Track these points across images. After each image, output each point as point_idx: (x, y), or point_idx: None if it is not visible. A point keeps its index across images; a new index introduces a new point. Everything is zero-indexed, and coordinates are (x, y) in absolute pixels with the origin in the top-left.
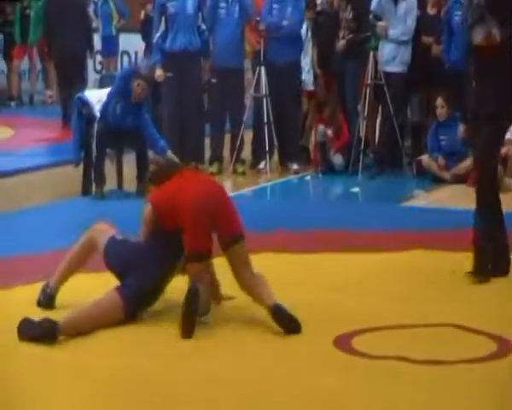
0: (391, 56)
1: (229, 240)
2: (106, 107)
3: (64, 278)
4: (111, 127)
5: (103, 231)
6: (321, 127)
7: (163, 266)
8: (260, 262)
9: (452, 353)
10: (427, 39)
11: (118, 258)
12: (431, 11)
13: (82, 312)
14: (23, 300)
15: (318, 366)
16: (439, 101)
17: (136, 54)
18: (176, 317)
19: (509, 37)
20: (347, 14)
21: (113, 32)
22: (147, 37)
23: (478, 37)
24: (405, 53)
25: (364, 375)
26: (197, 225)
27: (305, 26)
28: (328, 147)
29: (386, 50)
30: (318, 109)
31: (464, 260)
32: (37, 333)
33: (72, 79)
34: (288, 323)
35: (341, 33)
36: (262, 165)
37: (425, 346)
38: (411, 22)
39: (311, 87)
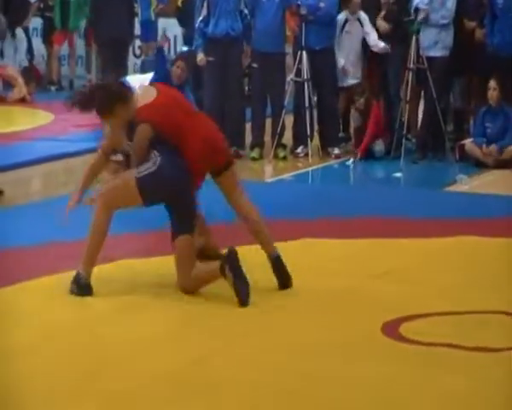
0: (433, 41)
1: (221, 167)
2: None
3: (94, 262)
4: None
5: (114, 194)
6: (355, 113)
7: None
8: (302, 248)
9: (502, 340)
10: (469, 23)
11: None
12: None
13: None
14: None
15: (368, 354)
16: (492, 83)
17: (175, 38)
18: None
19: None
20: None
21: (152, 17)
22: (183, 22)
23: None
24: (447, 37)
25: (414, 362)
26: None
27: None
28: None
29: (427, 35)
30: (352, 97)
31: (510, 247)
32: None
33: (115, 64)
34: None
35: (381, 14)
36: (300, 149)
37: (474, 333)
38: (451, 5)
39: (347, 83)
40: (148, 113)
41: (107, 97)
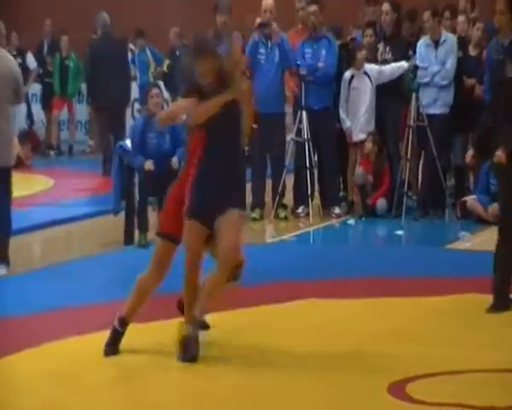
0: (432, 99)
1: None
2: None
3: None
4: (153, 175)
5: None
6: (359, 170)
7: None
8: (306, 309)
9: (508, 398)
10: (468, 81)
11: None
12: (473, 52)
13: None
14: (75, 351)
15: None
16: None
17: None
18: None
19: None
20: (386, 55)
21: (150, 80)
22: (169, 87)
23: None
24: (447, 95)
25: None
26: None
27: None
28: (368, 191)
29: (427, 93)
30: (361, 152)
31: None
32: None
33: (113, 127)
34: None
35: None
36: (301, 209)
37: (481, 391)
38: (450, 66)
39: (355, 139)
40: None
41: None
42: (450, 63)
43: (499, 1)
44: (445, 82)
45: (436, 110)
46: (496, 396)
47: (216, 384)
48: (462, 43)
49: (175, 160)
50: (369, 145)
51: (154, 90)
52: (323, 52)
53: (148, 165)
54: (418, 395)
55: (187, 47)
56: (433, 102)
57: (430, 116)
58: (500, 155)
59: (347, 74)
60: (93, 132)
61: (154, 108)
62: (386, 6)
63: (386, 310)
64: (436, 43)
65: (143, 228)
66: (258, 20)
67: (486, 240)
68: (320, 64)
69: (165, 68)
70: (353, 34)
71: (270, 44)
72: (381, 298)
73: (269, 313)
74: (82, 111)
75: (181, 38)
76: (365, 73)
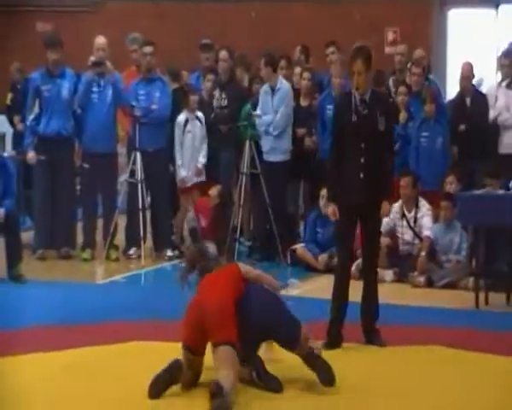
0: (269, 147)
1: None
2: None
3: None
4: None
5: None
6: (190, 214)
7: None
8: (132, 351)
9: None
10: (299, 131)
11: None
12: (303, 103)
13: None
14: None
15: None
16: (323, 191)
17: (3, 137)
18: None
19: None
20: (222, 102)
21: None
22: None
23: None
24: (284, 143)
25: None
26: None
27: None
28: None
29: (266, 141)
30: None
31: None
32: None
33: None
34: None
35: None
36: (132, 251)
37: None
38: (280, 116)
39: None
40: None
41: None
42: (281, 113)
43: (357, 63)
44: (275, 132)
45: (275, 157)
46: None
47: None
48: (298, 93)
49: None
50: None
51: None
52: (157, 94)
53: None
54: None
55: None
56: (271, 150)
57: (269, 163)
58: (331, 211)
59: (181, 118)
60: None
61: None
62: (223, 53)
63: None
64: (273, 91)
65: None
66: (92, 59)
67: (316, 288)
68: (154, 106)
69: (8, 101)
70: (188, 78)
71: (102, 83)
72: None
73: (94, 354)
74: None
75: (21, 72)
76: (197, 117)
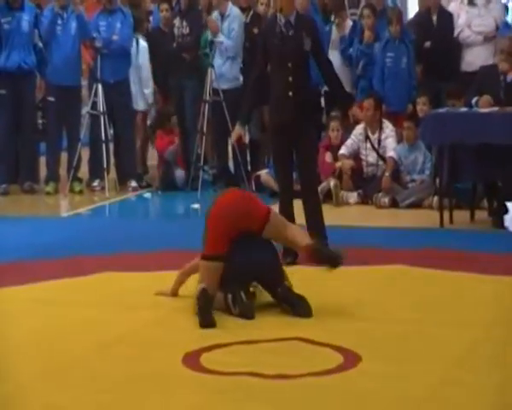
0: (224, 72)
1: (259, 228)
2: None
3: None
4: None
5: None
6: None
7: None
8: (101, 282)
9: (299, 366)
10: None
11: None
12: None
13: None
14: None
15: (170, 387)
16: None
17: None
18: None
19: None
20: (183, 30)
21: None
22: None
23: None
24: (236, 68)
25: (214, 392)
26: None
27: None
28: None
29: (219, 67)
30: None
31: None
32: None
33: None
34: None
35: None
36: (96, 183)
37: (273, 360)
38: (232, 40)
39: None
40: None
41: None
42: (233, 37)
43: None
44: (231, 54)
45: (229, 84)
46: (287, 365)
47: None
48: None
49: None
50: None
51: None
52: (118, 25)
53: None
54: (212, 365)
55: None
56: (225, 75)
57: (225, 91)
58: (236, 132)
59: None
60: None
61: None
62: None
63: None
64: (223, 17)
65: None
66: None
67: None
68: (115, 37)
69: None
70: (150, 7)
71: (66, 16)
72: (175, 271)
73: (64, 287)
74: None
75: None
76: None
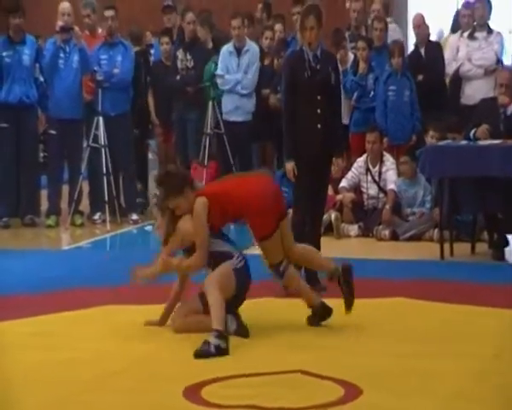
0: (233, 106)
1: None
2: None
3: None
4: None
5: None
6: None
7: None
8: (102, 315)
9: (301, 399)
10: (264, 91)
11: None
12: (266, 61)
13: None
14: None
15: None
16: None
17: None
18: None
19: None
20: (188, 63)
21: None
22: None
23: None
24: (248, 103)
25: None
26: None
27: None
28: None
29: (228, 101)
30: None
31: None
32: None
33: None
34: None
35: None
36: (97, 216)
37: (275, 393)
38: (251, 75)
39: None
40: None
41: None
42: (252, 73)
43: (309, 19)
44: (245, 91)
45: (237, 118)
46: (289, 398)
47: None
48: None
49: None
50: None
51: None
52: (119, 58)
53: None
54: (213, 398)
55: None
56: (235, 109)
57: (231, 123)
58: (289, 169)
59: None
60: None
61: None
62: (190, 16)
63: None
64: (238, 51)
65: None
66: (60, 24)
67: None
68: (116, 70)
69: None
70: (151, 41)
71: (68, 49)
72: None
73: (64, 320)
74: None
75: None
76: None
